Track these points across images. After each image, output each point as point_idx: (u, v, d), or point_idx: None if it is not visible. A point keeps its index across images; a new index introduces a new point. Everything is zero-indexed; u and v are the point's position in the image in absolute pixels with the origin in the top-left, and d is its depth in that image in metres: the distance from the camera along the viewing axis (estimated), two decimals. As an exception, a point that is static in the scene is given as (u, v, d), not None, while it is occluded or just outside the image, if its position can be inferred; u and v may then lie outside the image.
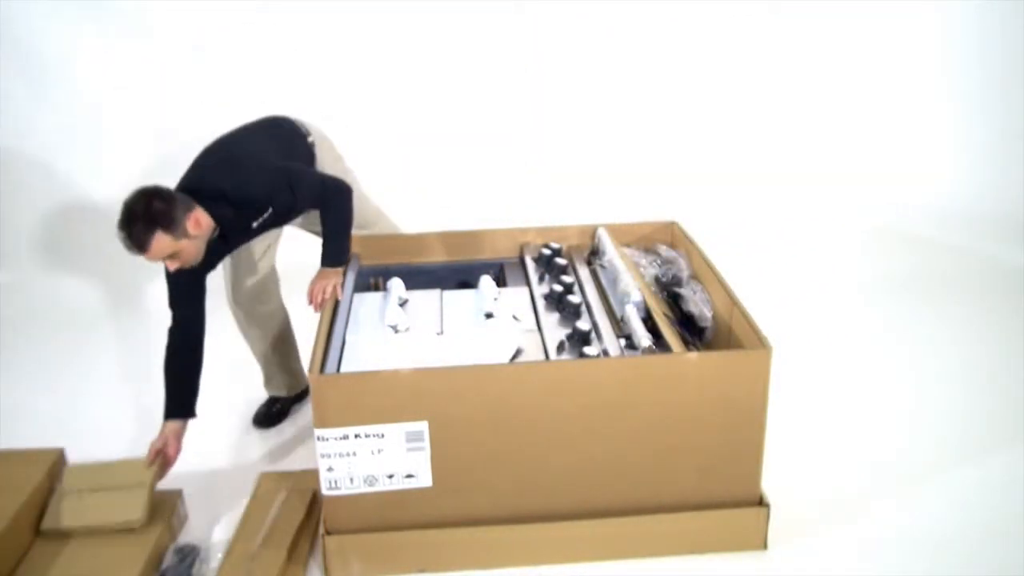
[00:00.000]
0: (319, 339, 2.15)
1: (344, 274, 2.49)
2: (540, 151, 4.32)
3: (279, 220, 2.51)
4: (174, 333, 2.36)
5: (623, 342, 2.20)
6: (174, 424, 2.33)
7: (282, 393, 2.83)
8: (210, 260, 2.34)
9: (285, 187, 2.38)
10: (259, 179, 2.36)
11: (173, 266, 2.20)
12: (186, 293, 2.36)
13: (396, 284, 2.54)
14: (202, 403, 2.71)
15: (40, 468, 2.24)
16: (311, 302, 2.40)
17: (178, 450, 2.32)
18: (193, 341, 2.36)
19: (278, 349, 2.76)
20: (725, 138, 4.42)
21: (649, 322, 2.24)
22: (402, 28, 4.07)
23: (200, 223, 2.21)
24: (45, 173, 4.00)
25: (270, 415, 2.81)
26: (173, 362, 2.35)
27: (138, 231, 2.10)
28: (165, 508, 2.23)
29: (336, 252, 2.50)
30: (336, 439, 1.97)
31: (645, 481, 2.08)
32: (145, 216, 2.10)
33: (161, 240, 2.12)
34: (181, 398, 2.35)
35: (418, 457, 2.00)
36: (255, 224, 2.41)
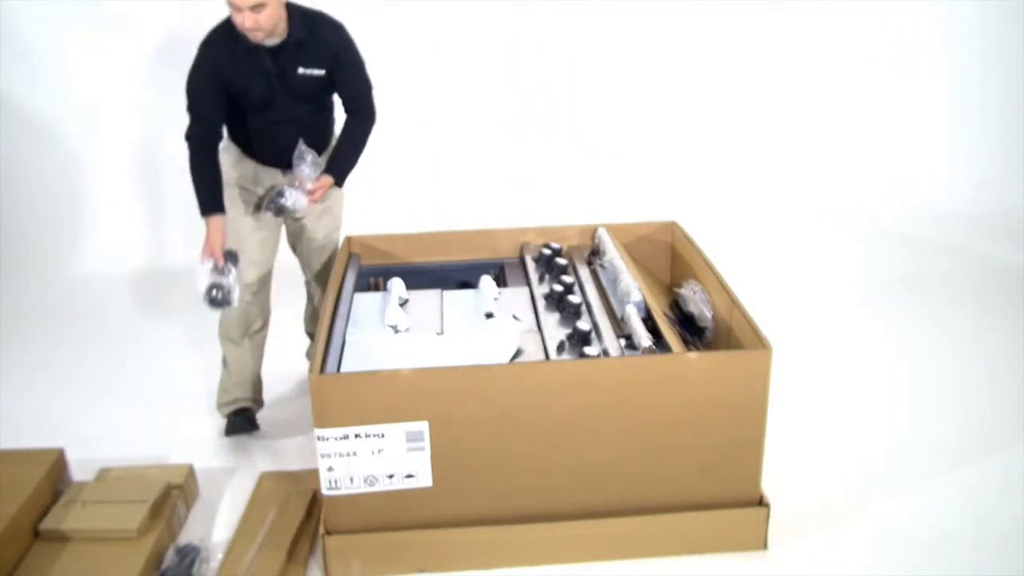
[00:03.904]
0: (319, 339, 2.15)
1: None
2: (540, 151, 4.32)
3: (320, 101, 2.51)
4: (198, 136, 2.39)
5: (623, 342, 2.20)
6: (215, 219, 2.41)
7: (248, 404, 2.69)
8: (247, 77, 2.34)
9: (354, 57, 2.46)
10: (343, 31, 2.44)
11: (251, 22, 2.22)
12: (214, 102, 2.37)
13: (396, 284, 2.54)
14: (203, 403, 2.73)
15: (40, 468, 2.24)
16: (310, 194, 2.46)
17: (224, 239, 2.42)
18: (215, 142, 2.42)
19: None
20: (725, 138, 4.43)
21: (649, 322, 2.24)
22: (402, 28, 4.07)
23: None
24: (45, 173, 4.01)
25: (249, 419, 2.68)
26: (202, 163, 2.40)
27: None
28: (165, 508, 2.23)
29: (344, 169, 2.56)
30: (336, 439, 1.97)
31: (645, 481, 2.08)
32: None
33: None
34: (214, 195, 2.42)
35: (418, 457, 2.00)
36: (302, 71, 2.38)
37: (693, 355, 2.05)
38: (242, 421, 2.63)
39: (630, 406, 2.01)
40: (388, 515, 2.06)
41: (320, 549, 2.09)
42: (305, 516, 2.23)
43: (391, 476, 2.02)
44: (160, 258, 3.95)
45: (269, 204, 2.47)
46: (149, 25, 3.88)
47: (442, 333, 2.32)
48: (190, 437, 2.70)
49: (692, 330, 2.43)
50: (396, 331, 2.31)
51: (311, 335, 2.97)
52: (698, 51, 4.30)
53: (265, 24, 2.25)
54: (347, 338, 2.28)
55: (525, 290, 2.56)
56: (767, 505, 2.12)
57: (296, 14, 2.35)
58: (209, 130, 2.41)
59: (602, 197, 4.24)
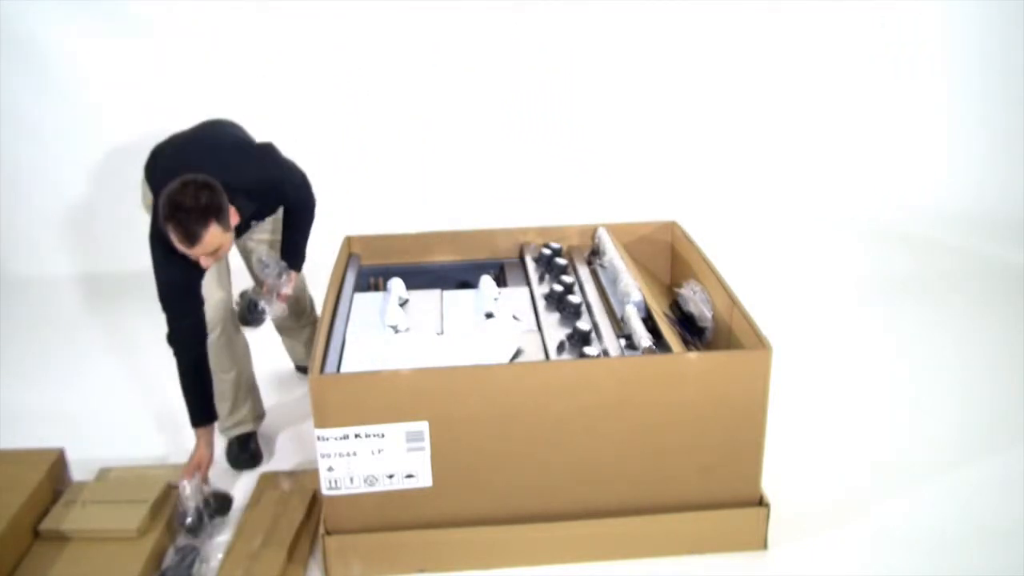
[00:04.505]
0: (319, 339, 2.15)
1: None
2: (540, 151, 4.32)
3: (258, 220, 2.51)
4: (184, 334, 2.28)
5: (623, 342, 2.20)
6: (205, 430, 2.36)
7: (252, 426, 2.60)
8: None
9: (290, 177, 2.40)
10: (274, 168, 2.36)
11: (209, 262, 2.14)
12: (188, 296, 2.27)
13: (396, 284, 2.54)
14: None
15: (40, 468, 2.24)
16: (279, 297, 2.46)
17: (212, 453, 2.37)
18: (203, 337, 2.32)
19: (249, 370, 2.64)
20: (725, 138, 4.42)
21: (649, 322, 2.24)
22: (402, 27, 4.07)
23: (234, 214, 2.18)
24: (45, 173, 4.01)
25: (253, 453, 2.57)
26: (193, 366, 2.30)
27: (193, 223, 2.03)
28: (165, 508, 2.23)
29: (302, 256, 2.54)
30: (336, 439, 1.97)
31: (645, 481, 2.08)
32: (197, 208, 2.03)
33: (214, 232, 2.06)
34: (205, 405, 2.35)
35: (418, 457, 2.00)
36: (255, 223, 2.39)
37: (693, 355, 2.05)
38: (246, 457, 2.55)
39: (630, 406, 2.01)
40: (388, 515, 2.06)
41: (320, 549, 2.09)
42: (305, 516, 2.23)
43: (391, 476, 2.02)
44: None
45: (250, 321, 2.44)
46: (155, 25, 3.88)
47: (442, 333, 2.32)
48: (190, 437, 2.69)
49: (692, 330, 2.43)
50: (396, 331, 2.31)
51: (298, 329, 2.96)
52: (698, 51, 4.30)
53: (223, 255, 2.21)
54: (347, 338, 2.28)
55: (525, 290, 2.56)
56: (767, 505, 2.12)
57: (244, 194, 2.21)
58: (195, 324, 2.29)
59: (602, 197, 4.24)
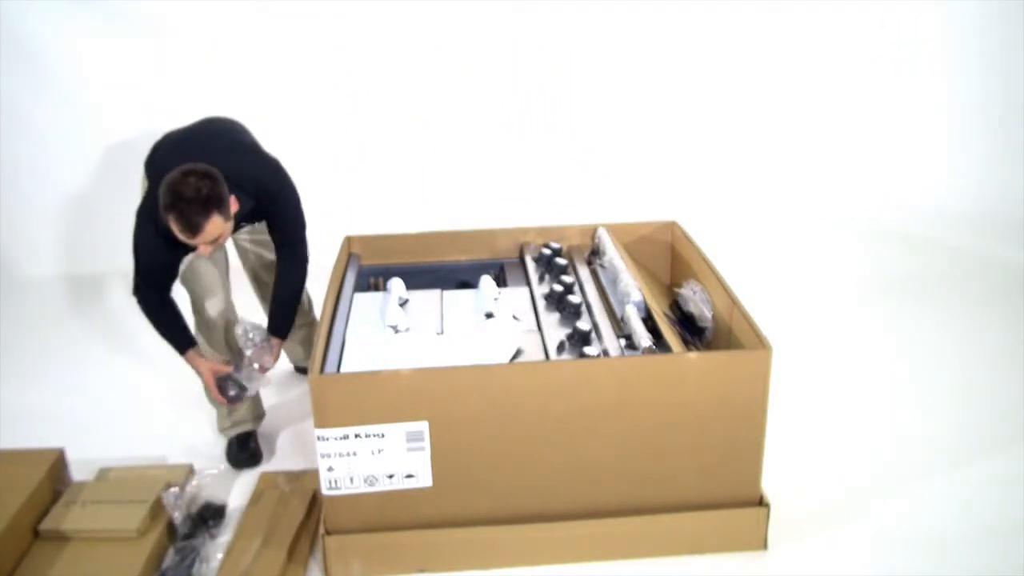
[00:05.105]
0: (319, 339, 2.15)
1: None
2: (540, 151, 4.32)
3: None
4: (151, 292, 2.31)
5: (623, 342, 2.20)
6: (193, 354, 2.39)
7: (251, 426, 2.59)
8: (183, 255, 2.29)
9: (288, 196, 2.37)
10: (284, 179, 2.35)
11: (208, 250, 2.14)
12: (167, 272, 2.31)
13: (396, 284, 2.54)
14: (203, 402, 2.73)
15: (40, 468, 2.24)
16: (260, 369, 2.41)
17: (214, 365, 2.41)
18: (168, 291, 2.35)
19: None
20: (725, 138, 4.43)
21: (649, 322, 2.24)
22: (402, 27, 4.07)
23: (233, 202, 2.17)
24: (45, 173, 4.01)
25: (253, 452, 2.56)
26: (161, 312, 2.34)
27: (194, 214, 2.02)
28: (164, 509, 2.22)
29: (288, 324, 2.48)
30: (336, 439, 1.97)
31: (645, 481, 2.08)
32: (198, 198, 2.02)
33: (215, 222, 2.06)
34: (184, 332, 2.39)
35: (418, 457, 2.00)
36: (244, 224, 2.37)
37: (693, 355, 2.05)
38: (246, 456, 2.53)
39: (630, 406, 2.01)
40: (388, 515, 2.06)
41: (320, 549, 2.09)
42: (305, 516, 2.23)
43: (391, 476, 2.02)
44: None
45: (230, 397, 2.38)
46: (156, 25, 3.88)
47: (442, 333, 2.32)
48: (190, 437, 2.70)
49: (692, 330, 2.43)
50: (396, 331, 2.31)
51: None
52: (698, 51, 4.30)
53: (222, 243, 2.23)
54: (347, 338, 2.28)
55: (525, 290, 2.56)
56: (767, 505, 2.12)
57: (238, 188, 2.18)
58: (162, 285, 2.33)
59: (602, 197, 4.24)
